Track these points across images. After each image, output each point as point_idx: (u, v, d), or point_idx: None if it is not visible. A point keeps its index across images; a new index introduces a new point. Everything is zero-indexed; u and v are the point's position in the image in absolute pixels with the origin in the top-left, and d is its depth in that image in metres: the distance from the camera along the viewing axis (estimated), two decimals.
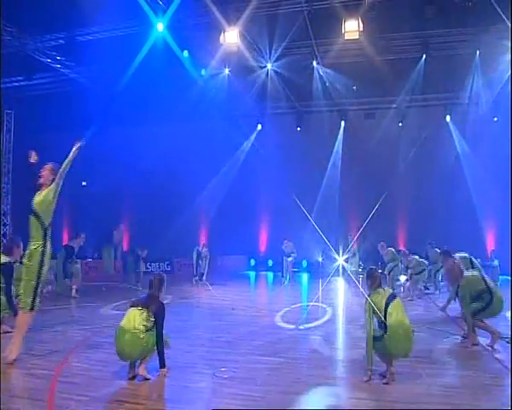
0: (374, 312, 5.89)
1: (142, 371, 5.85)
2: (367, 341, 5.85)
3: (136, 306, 6.09)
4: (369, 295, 5.98)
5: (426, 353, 6.95)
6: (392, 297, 5.92)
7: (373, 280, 6.07)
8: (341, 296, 14.04)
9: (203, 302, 12.54)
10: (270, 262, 21.08)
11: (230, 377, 5.96)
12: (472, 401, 5.18)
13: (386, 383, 5.68)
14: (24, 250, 7.59)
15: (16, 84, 19.02)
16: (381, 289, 6.02)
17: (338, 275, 17.63)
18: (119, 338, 5.88)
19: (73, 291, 12.92)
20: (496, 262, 16.50)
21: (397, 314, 5.79)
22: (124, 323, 5.97)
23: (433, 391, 5.44)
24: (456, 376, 6.02)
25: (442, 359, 6.74)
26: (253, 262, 21.78)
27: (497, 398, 5.35)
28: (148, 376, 5.82)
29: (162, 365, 5.97)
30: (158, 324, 6.02)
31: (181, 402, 5.24)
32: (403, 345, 5.77)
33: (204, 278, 16.37)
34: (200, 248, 16.90)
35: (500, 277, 16.39)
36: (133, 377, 5.85)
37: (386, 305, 5.83)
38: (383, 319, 5.79)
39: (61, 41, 17.12)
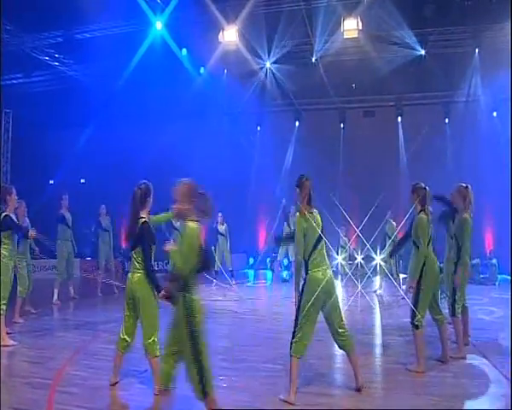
0: None
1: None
2: None
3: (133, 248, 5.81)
4: None
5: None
6: None
7: None
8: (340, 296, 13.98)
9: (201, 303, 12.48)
10: (269, 260, 21.00)
11: (229, 387, 5.94)
12: None
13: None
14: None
15: (15, 81, 18.97)
16: None
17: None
18: (128, 282, 5.78)
19: (71, 291, 12.75)
20: (494, 261, 16.53)
21: None
22: (131, 266, 5.87)
23: (428, 401, 5.42)
24: (454, 385, 5.97)
25: (438, 368, 6.63)
26: (251, 260, 21.76)
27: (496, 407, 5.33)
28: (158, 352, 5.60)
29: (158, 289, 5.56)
30: (144, 248, 5.69)
31: None
32: None
33: (232, 276, 15.96)
34: (217, 226, 16.11)
35: (499, 276, 16.43)
36: (115, 384, 5.84)
37: None
38: None
39: (59, 39, 17.10)
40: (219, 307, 12.04)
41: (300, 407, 5.30)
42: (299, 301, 5.40)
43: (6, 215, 7.93)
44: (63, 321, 10.15)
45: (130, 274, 5.80)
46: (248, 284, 15.57)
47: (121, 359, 5.90)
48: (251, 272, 20.80)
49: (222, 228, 15.92)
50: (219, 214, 15.91)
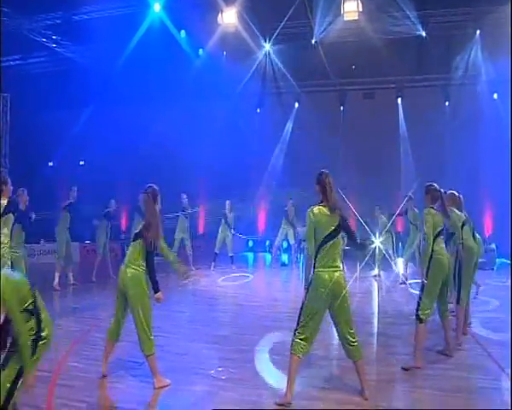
0: None
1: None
2: None
3: (135, 239, 5.81)
4: None
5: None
6: None
7: None
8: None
9: (200, 290, 12.51)
10: (268, 243, 21.05)
11: (228, 379, 5.94)
12: (470, 406, 5.19)
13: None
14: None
15: (12, 63, 18.84)
16: None
17: None
18: (121, 276, 5.75)
19: (71, 278, 12.65)
20: (493, 245, 16.54)
21: None
22: (126, 259, 5.84)
23: (429, 396, 5.41)
24: (454, 378, 5.94)
25: (437, 359, 6.61)
26: (251, 243, 21.80)
27: (496, 402, 5.30)
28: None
29: (156, 290, 5.77)
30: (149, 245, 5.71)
31: (182, 409, 5.26)
32: None
33: (232, 262, 16.09)
34: (226, 211, 15.95)
35: (497, 260, 16.45)
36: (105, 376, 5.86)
37: None
38: None
39: (57, 20, 16.98)
40: (218, 292, 12.09)
41: (299, 407, 5.21)
42: (304, 299, 5.25)
43: (11, 202, 7.85)
44: (62, 309, 10.15)
45: (122, 267, 5.77)
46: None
47: (112, 349, 5.98)
48: (250, 255, 20.85)
49: (230, 216, 15.83)
50: (228, 202, 15.83)
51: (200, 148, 19.13)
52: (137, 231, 5.80)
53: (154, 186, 5.98)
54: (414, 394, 5.54)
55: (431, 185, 6.63)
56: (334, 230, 5.23)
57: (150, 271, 5.71)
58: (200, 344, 7.39)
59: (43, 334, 4.17)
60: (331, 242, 5.21)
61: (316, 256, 5.21)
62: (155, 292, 5.71)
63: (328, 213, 5.24)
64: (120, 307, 5.84)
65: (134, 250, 5.75)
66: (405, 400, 5.49)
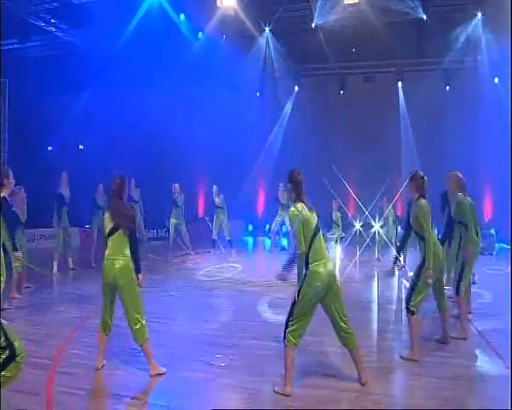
0: None
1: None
2: None
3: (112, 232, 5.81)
4: None
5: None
6: None
7: None
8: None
9: (199, 274, 12.53)
10: (268, 227, 21.05)
11: (227, 366, 5.96)
12: (468, 394, 5.23)
13: None
14: None
15: (10, 47, 18.74)
16: None
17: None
18: (108, 270, 5.71)
19: (70, 263, 12.62)
20: (492, 231, 16.53)
21: None
22: (108, 252, 5.79)
23: (427, 384, 5.41)
24: (452, 365, 5.96)
25: (435, 348, 6.61)
26: (250, 227, 21.83)
27: (494, 390, 5.32)
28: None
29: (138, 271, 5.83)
30: (131, 232, 5.79)
31: (181, 396, 5.24)
32: None
33: (231, 246, 15.92)
34: (213, 197, 15.85)
35: (496, 245, 16.46)
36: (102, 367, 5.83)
37: None
38: None
39: (56, 4, 16.86)
40: (217, 278, 12.10)
41: (296, 395, 5.19)
42: (298, 292, 5.21)
43: (4, 197, 7.80)
44: (62, 295, 10.18)
45: (109, 261, 5.73)
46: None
47: (106, 341, 5.93)
48: (250, 239, 20.87)
49: (218, 200, 15.68)
50: (214, 187, 15.69)
51: (200, 131, 19.10)
52: (113, 224, 5.79)
53: (119, 180, 5.93)
54: (412, 381, 5.56)
55: (416, 172, 6.37)
56: (316, 224, 5.29)
57: (136, 256, 5.78)
58: (199, 330, 7.42)
59: (17, 359, 4.17)
60: (318, 235, 5.26)
61: (308, 252, 5.19)
62: (137, 274, 5.79)
63: (307, 208, 5.28)
64: (108, 302, 5.83)
65: (116, 242, 5.76)
66: (404, 387, 5.52)
